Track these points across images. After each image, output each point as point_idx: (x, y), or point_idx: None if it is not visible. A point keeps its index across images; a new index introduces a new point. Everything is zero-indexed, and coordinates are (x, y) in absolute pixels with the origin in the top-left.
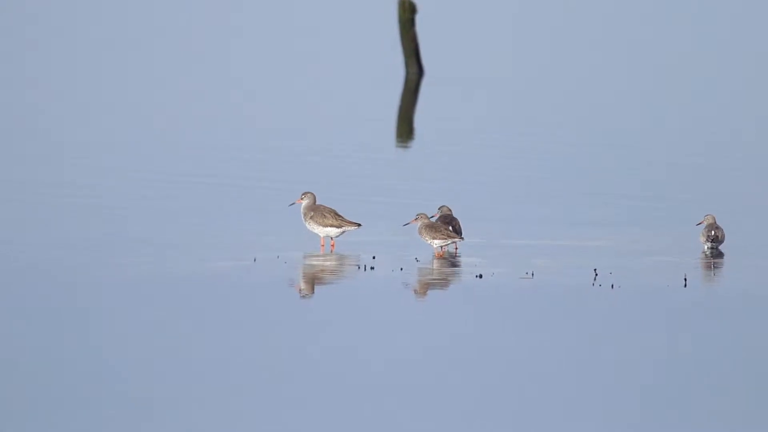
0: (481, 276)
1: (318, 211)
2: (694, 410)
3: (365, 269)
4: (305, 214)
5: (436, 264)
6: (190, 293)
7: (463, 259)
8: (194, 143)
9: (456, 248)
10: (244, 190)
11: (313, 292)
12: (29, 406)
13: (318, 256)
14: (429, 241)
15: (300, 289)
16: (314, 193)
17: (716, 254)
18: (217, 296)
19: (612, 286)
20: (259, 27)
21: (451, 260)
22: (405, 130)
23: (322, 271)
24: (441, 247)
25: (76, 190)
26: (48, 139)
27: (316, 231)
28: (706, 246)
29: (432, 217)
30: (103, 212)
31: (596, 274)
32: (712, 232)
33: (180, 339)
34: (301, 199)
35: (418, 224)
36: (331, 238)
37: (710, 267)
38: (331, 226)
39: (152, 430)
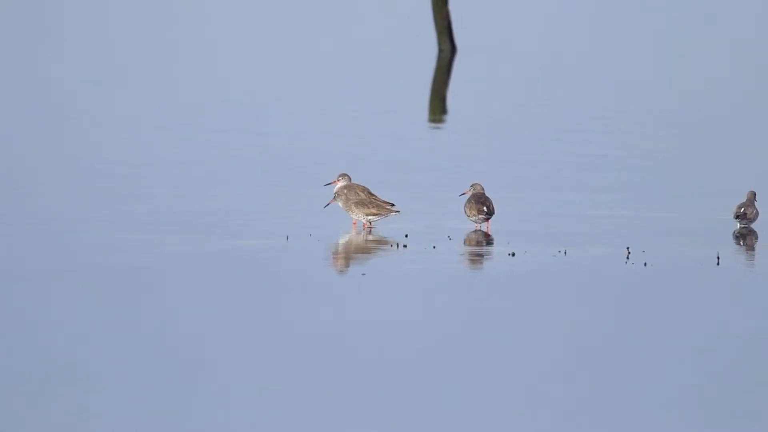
0: (513, 254)
1: (351, 190)
2: (727, 390)
3: (398, 247)
4: (339, 195)
5: (468, 242)
6: (223, 272)
7: (495, 237)
8: (224, 120)
9: (488, 227)
10: (275, 168)
11: (346, 270)
12: (60, 382)
13: (350, 234)
14: (360, 217)
15: (333, 267)
16: (349, 175)
17: (747, 232)
18: (250, 275)
19: (645, 264)
20: (292, 4)
21: (483, 238)
22: (438, 107)
23: (355, 249)
24: (370, 221)
25: (103, 170)
26: (65, 116)
27: (351, 214)
28: (737, 223)
29: (463, 194)
30: (134, 191)
31: (629, 252)
32: (742, 210)
33: (214, 317)
34: (338, 180)
35: (342, 198)
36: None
37: (740, 245)
38: (370, 214)
39: (182, 408)
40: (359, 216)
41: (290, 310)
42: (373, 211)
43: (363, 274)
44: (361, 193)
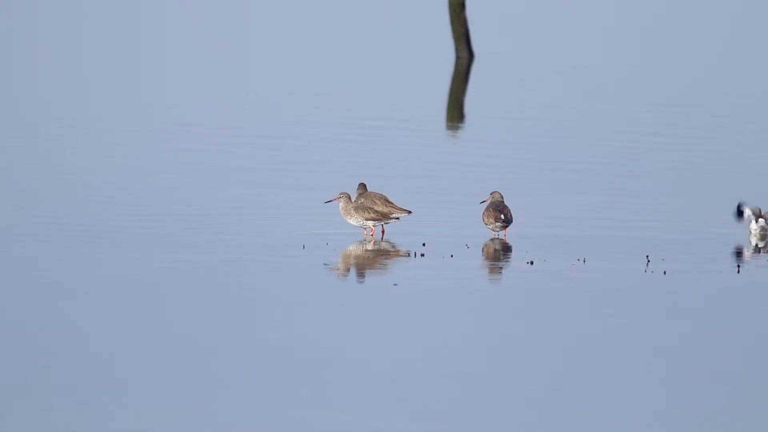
0: (532, 263)
1: (368, 198)
2: (749, 399)
3: (415, 256)
4: (352, 205)
5: (486, 251)
6: (238, 281)
7: (514, 246)
8: (241, 125)
9: (505, 235)
10: (292, 175)
11: (363, 279)
12: (62, 383)
13: (368, 242)
14: (359, 222)
15: (350, 276)
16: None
17: (766, 238)
18: (265, 284)
19: (664, 272)
20: (308, 10)
21: (501, 247)
22: (455, 114)
23: (372, 258)
24: (371, 227)
25: (106, 176)
26: (75, 124)
27: (356, 223)
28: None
29: (483, 201)
30: (152, 197)
31: (648, 261)
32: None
33: (230, 327)
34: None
35: (341, 204)
36: (381, 225)
37: (760, 253)
38: (370, 219)
39: (203, 411)
40: (359, 221)
41: (309, 320)
42: (373, 216)
43: (395, 285)
44: (377, 201)
